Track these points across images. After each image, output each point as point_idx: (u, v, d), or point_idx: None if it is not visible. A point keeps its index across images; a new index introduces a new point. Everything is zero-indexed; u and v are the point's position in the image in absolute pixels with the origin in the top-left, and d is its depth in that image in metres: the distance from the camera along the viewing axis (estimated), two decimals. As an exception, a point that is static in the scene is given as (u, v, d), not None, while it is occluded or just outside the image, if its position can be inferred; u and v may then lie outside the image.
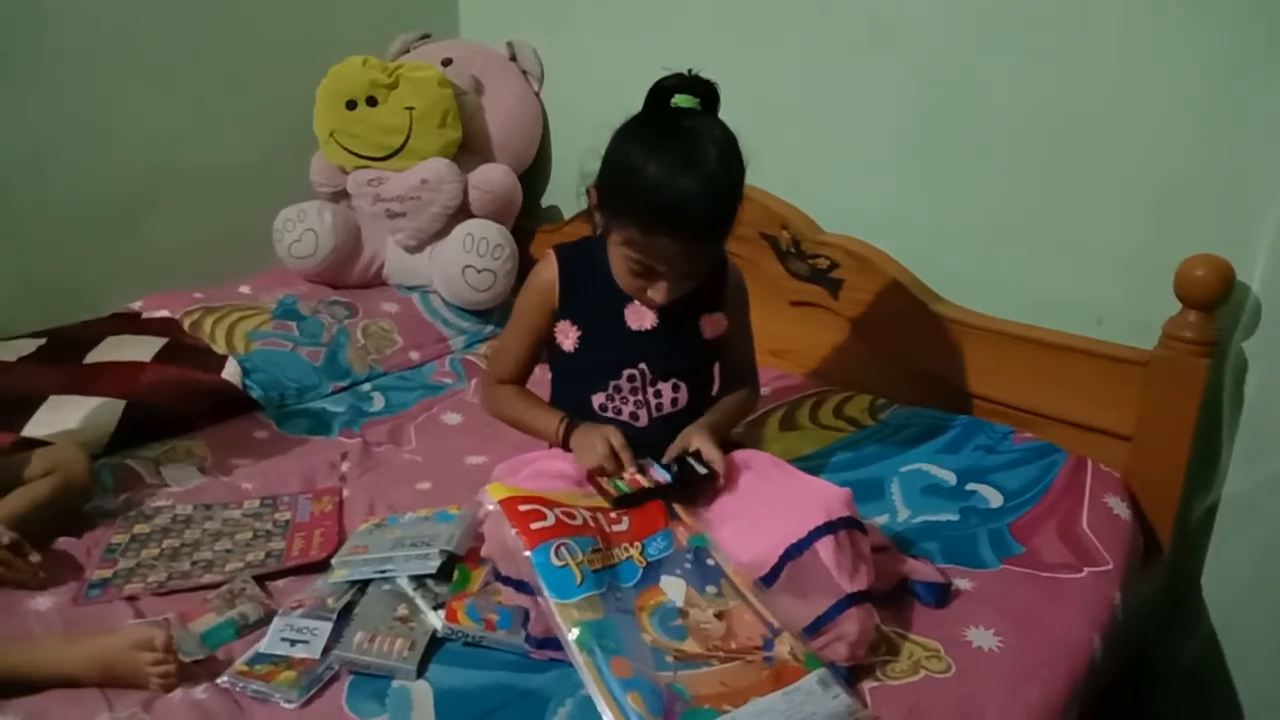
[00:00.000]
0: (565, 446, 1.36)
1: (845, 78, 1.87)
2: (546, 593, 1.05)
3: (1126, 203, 1.60)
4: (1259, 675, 1.61)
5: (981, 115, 1.72)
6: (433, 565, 1.25)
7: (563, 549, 1.08)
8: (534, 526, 1.09)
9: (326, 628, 1.19)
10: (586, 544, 1.11)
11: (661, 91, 1.25)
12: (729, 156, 1.23)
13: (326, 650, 1.17)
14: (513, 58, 2.42)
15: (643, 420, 1.38)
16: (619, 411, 1.38)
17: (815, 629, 1.14)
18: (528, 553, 1.07)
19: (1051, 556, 1.38)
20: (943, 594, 1.29)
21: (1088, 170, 1.63)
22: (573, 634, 1.02)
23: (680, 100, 1.24)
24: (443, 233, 2.25)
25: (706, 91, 1.25)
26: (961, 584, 1.32)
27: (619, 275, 1.31)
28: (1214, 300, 1.45)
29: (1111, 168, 1.60)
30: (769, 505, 1.23)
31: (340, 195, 2.34)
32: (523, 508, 1.11)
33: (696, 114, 1.24)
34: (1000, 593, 1.30)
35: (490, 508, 1.13)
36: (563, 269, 1.37)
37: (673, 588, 1.12)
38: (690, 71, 1.25)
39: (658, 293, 1.27)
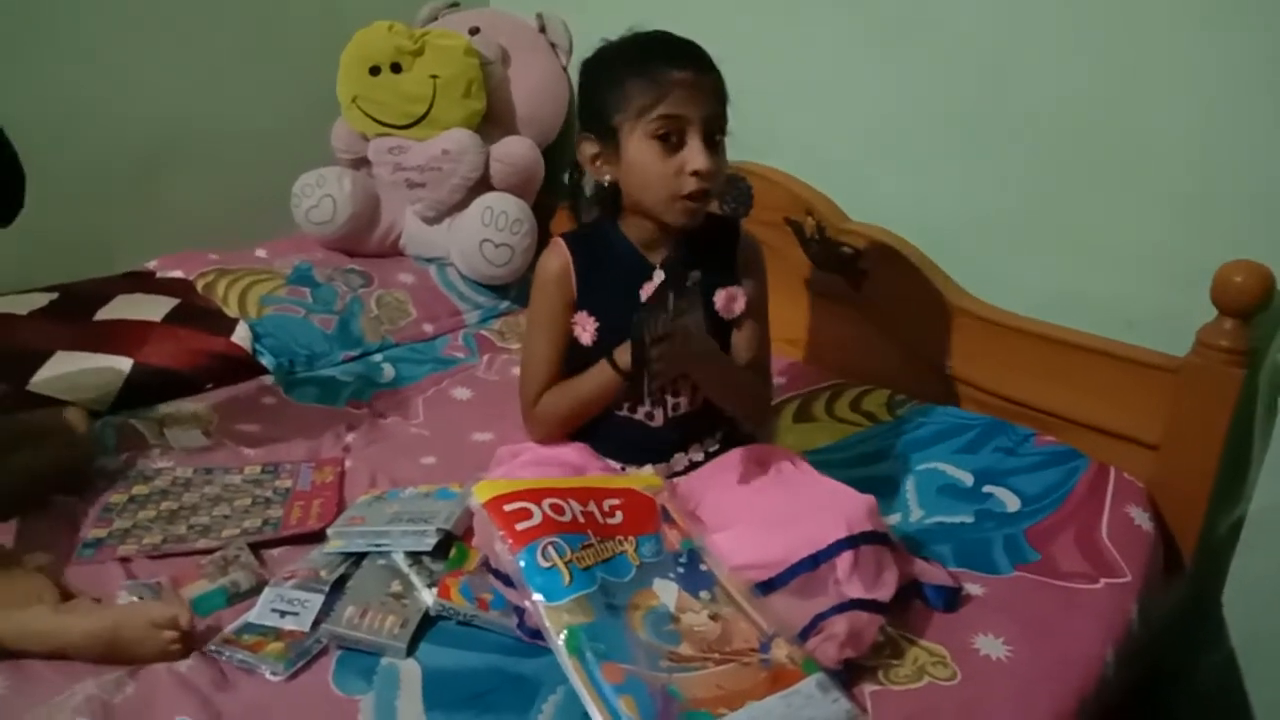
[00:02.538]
0: (624, 373, 1.24)
1: (876, 63, 1.82)
2: (534, 595, 1.02)
3: (1162, 201, 1.54)
4: (1278, 697, 1.56)
5: (1014, 106, 1.66)
6: (429, 543, 1.22)
7: (550, 548, 1.04)
8: (520, 527, 1.06)
9: (318, 600, 1.16)
10: (576, 541, 1.07)
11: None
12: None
13: (317, 623, 1.14)
14: (542, 30, 2.38)
15: (658, 420, 1.33)
16: (634, 410, 1.33)
17: (811, 628, 1.10)
18: (512, 556, 1.04)
19: (1068, 565, 1.33)
20: (952, 598, 1.24)
21: (1123, 166, 1.57)
22: (561, 638, 0.98)
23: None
24: (462, 205, 2.22)
25: None
26: (972, 589, 1.28)
27: (649, 175, 1.23)
28: (1252, 308, 1.39)
29: (1148, 164, 1.54)
30: (784, 507, 1.19)
31: (361, 162, 2.31)
32: (508, 507, 1.07)
33: None
34: (1012, 600, 1.26)
35: (475, 508, 1.10)
36: (575, 254, 1.31)
37: (665, 591, 1.08)
38: None
39: (695, 156, 1.20)
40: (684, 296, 1.17)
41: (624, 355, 1.22)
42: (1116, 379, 1.55)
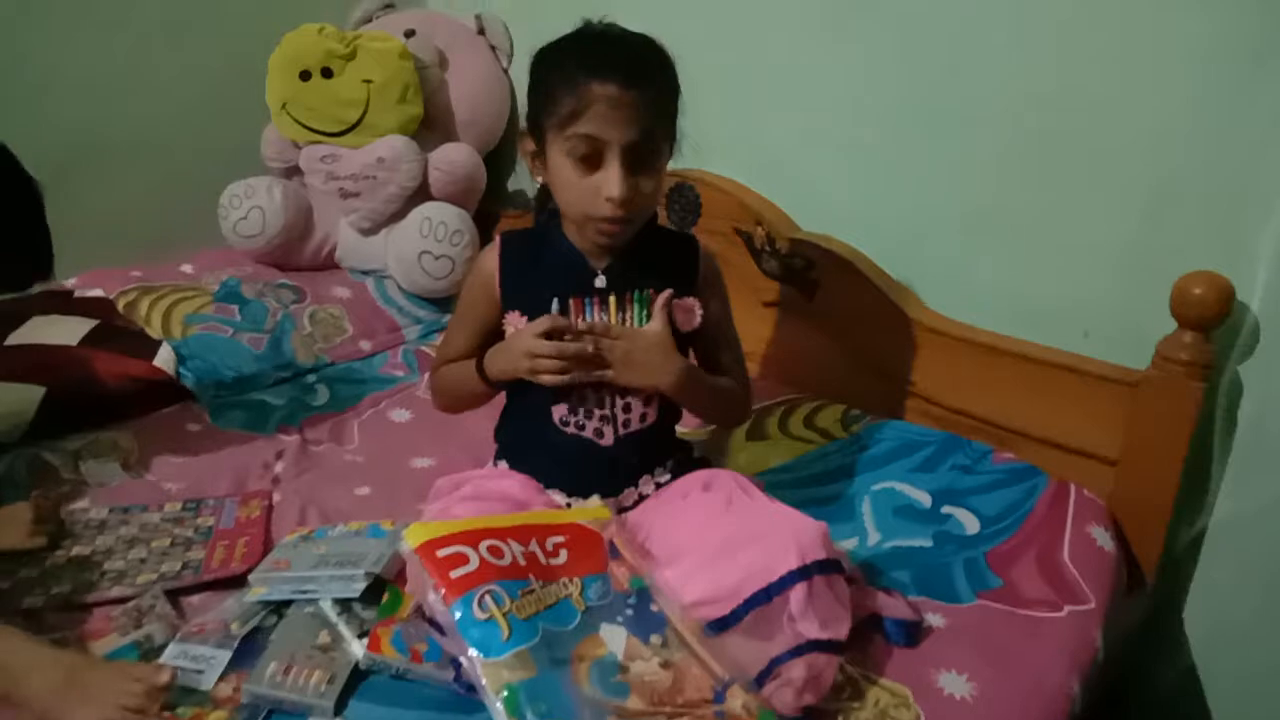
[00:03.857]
0: (494, 381, 1.26)
1: (825, 64, 1.76)
2: (471, 651, 0.94)
3: (1119, 204, 1.49)
4: (1238, 710, 1.53)
5: (970, 110, 1.61)
6: (356, 589, 1.14)
7: (487, 598, 0.97)
8: (454, 574, 0.98)
9: (224, 657, 1.08)
10: (516, 587, 1.00)
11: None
12: (657, 44, 1.19)
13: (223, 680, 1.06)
14: (481, 31, 2.29)
15: (607, 438, 1.26)
16: (582, 427, 1.26)
17: (768, 672, 1.04)
18: (446, 607, 0.96)
19: (1030, 592, 1.28)
20: (914, 631, 1.19)
21: (1080, 169, 1.52)
22: (500, 699, 0.91)
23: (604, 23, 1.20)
24: (399, 215, 2.13)
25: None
26: (934, 619, 1.23)
27: (568, 191, 1.16)
28: (1212, 320, 1.36)
29: (1105, 167, 1.50)
30: (733, 536, 1.13)
31: (292, 171, 2.21)
32: (442, 552, 1.00)
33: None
34: (975, 631, 1.21)
35: (407, 554, 1.02)
36: (505, 254, 1.27)
37: (613, 638, 1.02)
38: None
39: (611, 183, 1.12)
40: (624, 307, 1.21)
41: (495, 366, 1.24)
42: (1074, 393, 1.51)
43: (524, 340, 1.19)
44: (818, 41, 1.76)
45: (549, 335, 1.18)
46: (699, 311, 1.26)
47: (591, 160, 1.13)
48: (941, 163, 1.66)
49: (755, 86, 1.84)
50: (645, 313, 1.23)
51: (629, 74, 1.11)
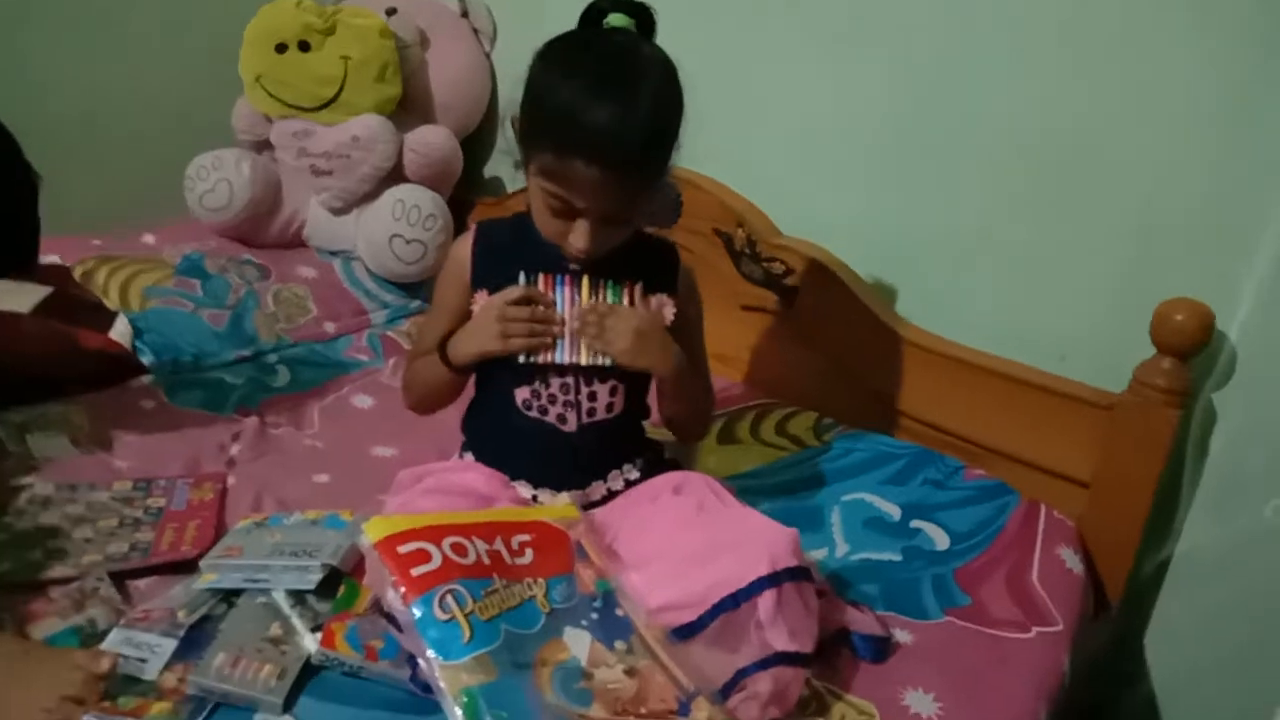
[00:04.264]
0: (459, 366, 1.21)
1: (820, 72, 1.73)
2: (430, 652, 0.90)
3: (1106, 232, 1.49)
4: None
5: (959, 126, 1.59)
6: (311, 580, 1.10)
7: (449, 598, 0.93)
8: (415, 572, 0.94)
9: (170, 646, 1.03)
10: (479, 587, 0.96)
11: (594, 12, 1.13)
12: (662, 80, 1.10)
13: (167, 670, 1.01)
14: (464, 14, 2.25)
15: (570, 424, 1.23)
16: (545, 412, 1.22)
17: (734, 684, 1.02)
18: (406, 606, 0.92)
19: (999, 611, 1.27)
20: (882, 648, 1.17)
21: (1067, 195, 1.51)
22: (459, 705, 0.87)
23: (613, 20, 1.12)
24: (372, 196, 2.08)
25: (643, 15, 1.13)
26: (902, 636, 1.21)
27: (539, 216, 1.14)
28: (1192, 348, 1.35)
29: (1093, 194, 1.49)
30: (704, 542, 1.10)
31: (263, 145, 2.15)
32: (403, 548, 0.95)
33: (630, 34, 1.12)
34: (942, 650, 1.19)
35: (366, 548, 0.98)
36: (479, 242, 1.24)
37: (577, 642, 0.98)
38: None
39: (578, 236, 1.11)
40: (597, 290, 1.18)
41: (459, 348, 1.20)
42: (1049, 413, 1.50)
43: (494, 306, 1.17)
44: (812, 55, 1.74)
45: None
46: (670, 311, 1.22)
47: (564, 212, 1.11)
48: (928, 182, 1.65)
49: (746, 92, 1.81)
50: (617, 300, 1.19)
51: (616, 156, 1.05)
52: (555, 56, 1.11)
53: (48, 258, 1.89)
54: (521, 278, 1.18)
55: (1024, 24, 1.50)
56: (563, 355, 1.18)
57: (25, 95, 1.95)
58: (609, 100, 1.05)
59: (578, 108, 1.05)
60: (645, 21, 1.14)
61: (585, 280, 1.18)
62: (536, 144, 1.10)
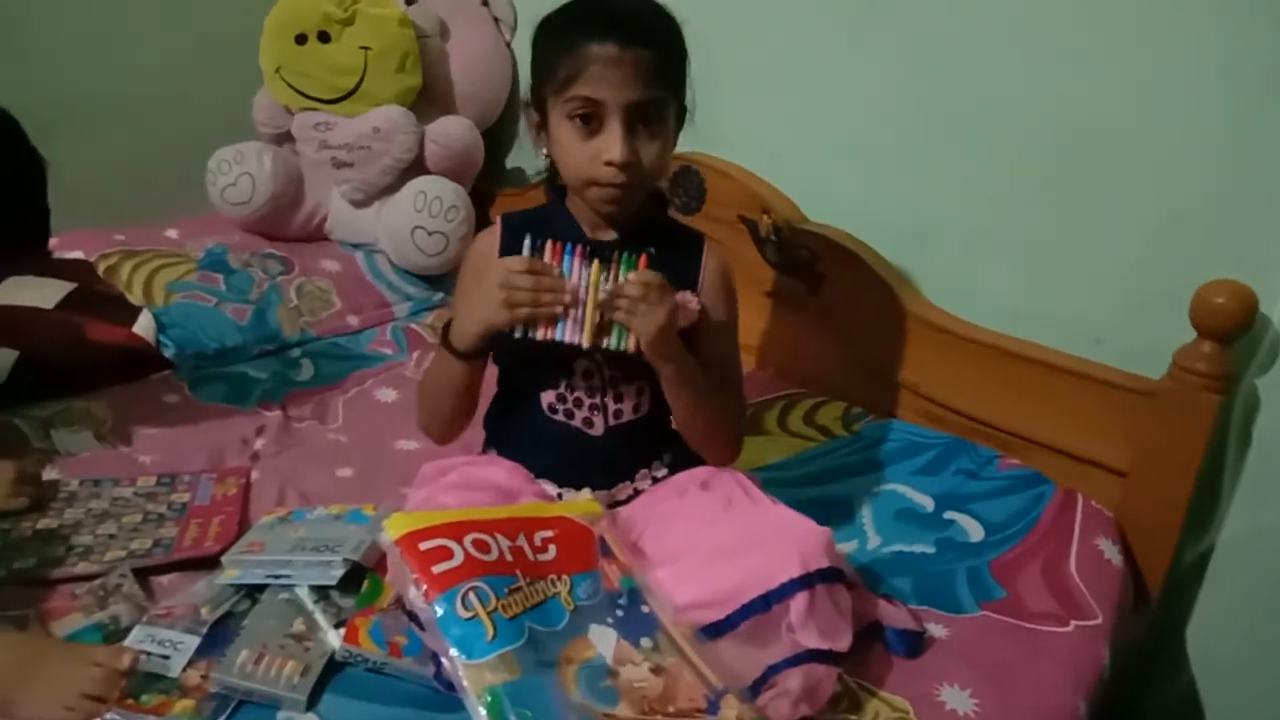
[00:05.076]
0: (465, 351, 1.14)
1: (841, 57, 1.70)
2: (453, 651, 0.89)
3: (1135, 213, 1.45)
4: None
5: (984, 107, 1.55)
6: (334, 576, 1.08)
7: (471, 595, 0.91)
8: (437, 570, 0.92)
9: (193, 643, 1.02)
10: (502, 584, 0.94)
11: None
12: (665, 9, 1.13)
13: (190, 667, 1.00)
14: (485, 3, 2.22)
15: (597, 428, 1.20)
16: (571, 415, 1.20)
17: (764, 681, 1.00)
18: (428, 604, 0.91)
19: (1035, 604, 1.24)
20: (915, 642, 1.14)
21: (1095, 175, 1.48)
22: (482, 703, 0.85)
23: None
24: (393, 188, 2.07)
25: None
26: (935, 630, 1.18)
27: (566, 156, 1.11)
28: (1233, 331, 1.31)
29: (1120, 174, 1.45)
30: (732, 538, 1.08)
31: (284, 138, 2.14)
32: (424, 545, 0.94)
33: None
34: (978, 644, 1.16)
35: (387, 545, 0.96)
36: (506, 237, 1.19)
37: (602, 640, 0.96)
38: None
39: (611, 143, 1.06)
40: (608, 263, 1.08)
41: (462, 328, 1.13)
42: (1085, 400, 1.46)
43: (497, 271, 1.09)
44: (835, 41, 1.71)
45: None
46: (695, 307, 1.17)
47: (591, 123, 1.08)
48: (954, 164, 1.61)
49: (770, 78, 1.78)
50: (630, 270, 1.09)
51: (627, 32, 1.06)
52: (554, 10, 1.13)
53: (71, 253, 1.91)
54: (526, 244, 1.09)
55: (1041, 8, 1.46)
56: (563, 333, 1.09)
57: (43, 84, 1.96)
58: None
59: (585, 6, 1.10)
60: None
61: (596, 264, 1.08)
62: (551, 69, 1.09)
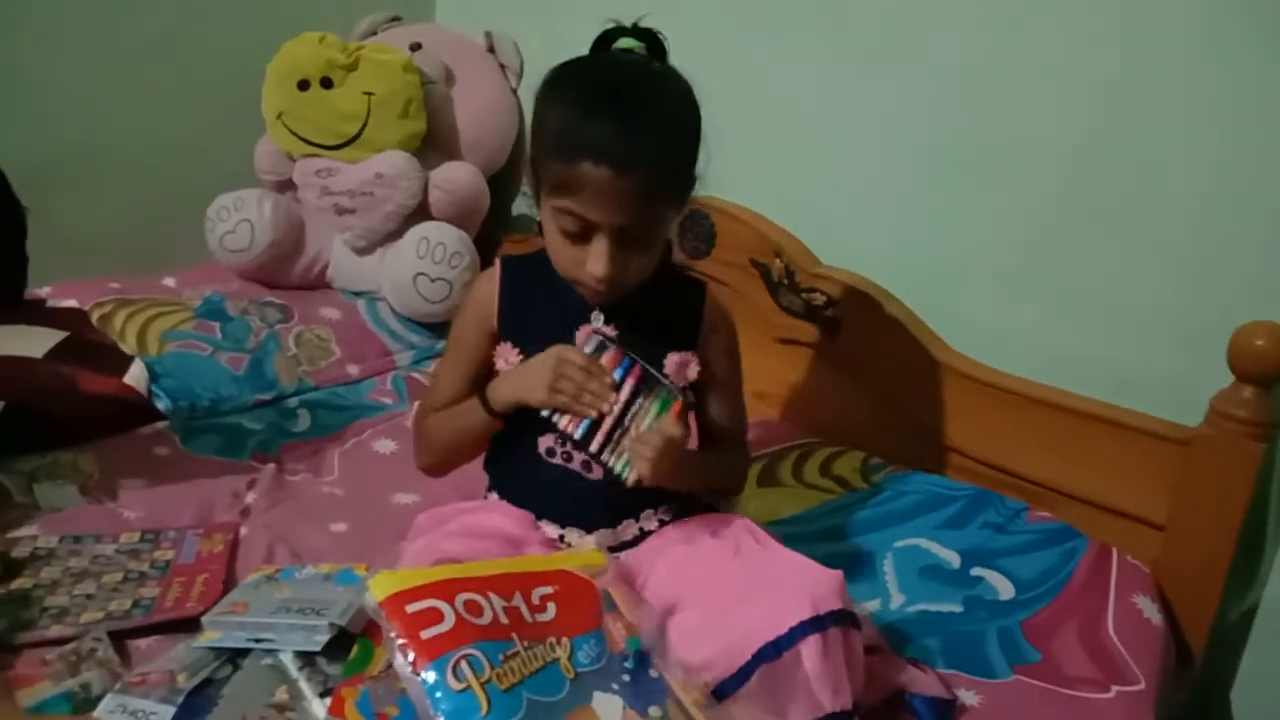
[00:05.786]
0: (498, 412, 1.14)
1: (857, 93, 1.66)
2: (443, 727, 0.81)
3: (1170, 252, 1.40)
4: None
5: (1006, 144, 1.52)
6: (318, 641, 1.01)
7: (463, 664, 0.84)
8: (426, 635, 0.85)
9: (167, 713, 0.95)
10: (496, 650, 0.87)
11: (603, 40, 1.10)
12: (675, 93, 1.07)
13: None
14: (490, 49, 2.20)
15: (596, 472, 1.14)
16: (569, 458, 1.15)
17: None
18: (415, 675, 0.83)
19: (1073, 668, 1.16)
20: (945, 711, 1.07)
21: (1126, 214, 1.43)
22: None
23: (623, 43, 1.09)
24: (396, 234, 2.02)
25: (652, 39, 1.10)
26: (967, 697, 1.10)
27: (554, 249, 1.08)
28: (1274, 374, 1.24)
29: (1154, 213, 1.40)
30: (741, 586, 1.02)
31: (286, 185, 2.10)
32: (412, 607, 0.87)
33: (639, 54, 1.09)
34: (1014, 712, 1.09)
35: (371, 607, 0.89)
36: (505, 283, 1.17)
37: (607, 709, 0.88)
38: (636, 24, 1.11)
39: (595, 259, 1.04)
40: (650, 392, 1.10)
41: (500, 392, 1.13)
42: (1117, 449, 1.40)
43: (556, 354, 1.09)
44: (847, 78, 1.68)
45: None
46: (695, 367, 1.16)
47: (579, 235, 1.05)
48: (971, 205, 1.58)
49: (782, 119, 1.76)
50: (665, 412, 1.10)
51: (628, 153, 1.00)
52: (562, 74, 1.09)
53: (65, 302, 1.86)
54: (594, 341, 1.10)
55: (1071, 37, 1.42)
56: (581, 432, 1.09)
57: (42, 134, 1.94)
58: (618, 101, 1.02)
59: (585, 110, 1.02)
60: (655, 46, 1.11)
61: (639, 377, 1.10)
62: (545, 161, 1.05)
